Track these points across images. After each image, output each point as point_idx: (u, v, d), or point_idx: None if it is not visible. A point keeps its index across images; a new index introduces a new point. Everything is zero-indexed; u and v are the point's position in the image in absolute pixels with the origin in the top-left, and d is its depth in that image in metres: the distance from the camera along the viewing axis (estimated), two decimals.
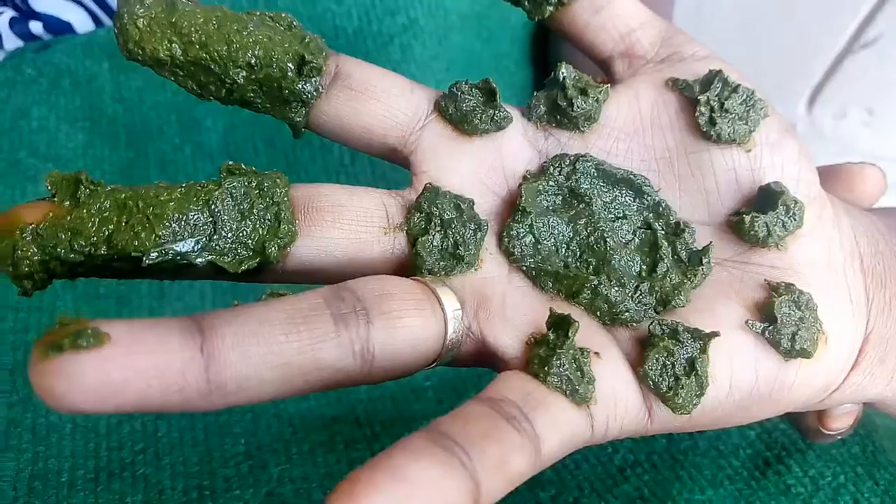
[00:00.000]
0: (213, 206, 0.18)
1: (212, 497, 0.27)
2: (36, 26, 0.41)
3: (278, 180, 0.19)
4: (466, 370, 0.34)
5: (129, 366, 0.14)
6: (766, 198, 0.21)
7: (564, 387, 0.18)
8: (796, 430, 0.29)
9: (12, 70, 0.38)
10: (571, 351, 0.18)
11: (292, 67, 0.20)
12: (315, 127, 0.21)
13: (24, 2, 0.41)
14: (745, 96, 0.22)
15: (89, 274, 0.17)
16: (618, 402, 0.19)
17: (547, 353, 0.18)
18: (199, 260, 0.17)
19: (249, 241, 0.18)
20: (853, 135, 0.64)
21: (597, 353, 0.19)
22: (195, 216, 0.17)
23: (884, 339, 0.22)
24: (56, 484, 0.28)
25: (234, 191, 0.18)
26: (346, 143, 0.22)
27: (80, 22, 0.41)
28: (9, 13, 0.42)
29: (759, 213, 0.21)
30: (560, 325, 0.19)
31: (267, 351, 0.16)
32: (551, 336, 0.19)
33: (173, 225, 0.17)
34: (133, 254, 0.17)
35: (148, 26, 0.19)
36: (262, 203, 0.18)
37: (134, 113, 0.38)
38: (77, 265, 0.17)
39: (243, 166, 0.19)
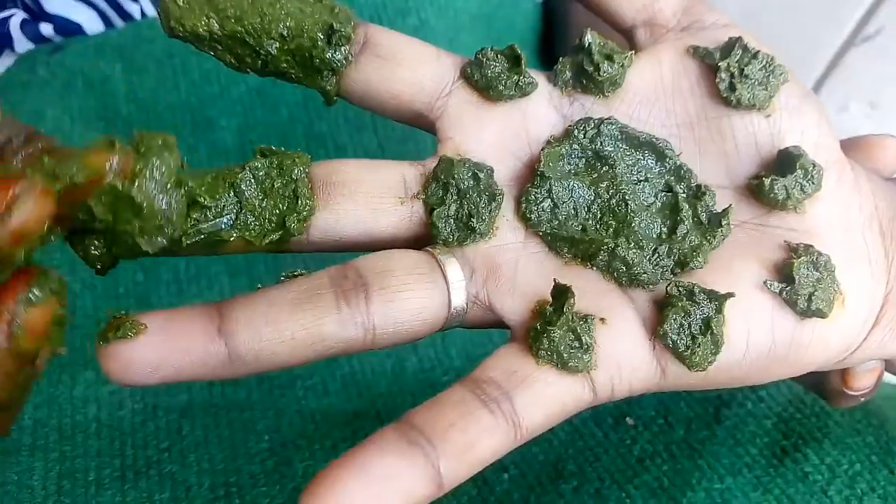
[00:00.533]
0: (237, 188, 0.20)
1: (239, 494, 0.28)
2: (46, 28, 0.41)
3: (297, 159, 0.20)
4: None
5: (163, 347, 0.18)
6: (785, 161, 0.22)
7: (555, 360, 0.19)
8: (818, 399, 0.29)
9: (26, 72, 0.38)
10: (567, 325, 0.19)
11: (322, 37, 0.21)
12: (346, 94, 0.22)
13: (35, 3, 0.41)
14: (764, 62, 0.22)
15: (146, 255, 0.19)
16: (622, 364, 0.20)
17: (541, 327, 0.19)
18: (228, 237, 0.19)
19: (272, 217, 0.20)
20: (855, 127, 0.64)
21: (602, 319, 0.20)
22: (222, 198, 0.19)
23: None
24: (84, 483, 0.28)
25: (256, 172, 0.20)
26: (374, 110, 0.22)
27: (90, 23, 0.41)
28: (20, 15, 0.42)
29: (778, 176, 0.21)
30: (560, 295, 0.20)
31: (274, 328, 0.18)
32: (549, 309, 0.20)
33: (201, 207, 0.19)
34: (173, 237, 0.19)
35: (187, 4, 0.20)
36: (281, 181, 0.20)
37: (148, 113, 0.38)
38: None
39: (273, 148, 0.20)
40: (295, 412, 0.31)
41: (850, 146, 0.26)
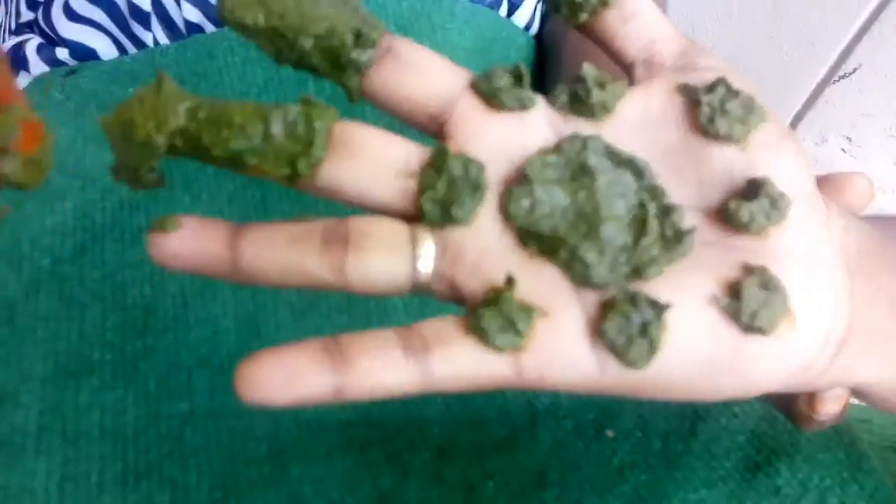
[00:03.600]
0: (267, 123, 0.22)
1: (237, 497, 0.29)
2: (62, 52, 0.43)
3: (326, 112, 0.23)
4: None
5: (188, 243, 0.22)
6: (753, 188, 0.23)
7: (479, 336, 0.21)
8: (788, 420, 0.30)
9: (40, 94, 0.40)
10: (500, 310, 0.21)
11: (351, 39, 0.23)
12: (367, 94, 0.25)
13: (51, 28, 0.43)
14: (745, 101, 0.24)
15: (187, 155, 0.23)
16: (555, 355, 0.21)
17: (480, 306, 0.22)
18: (250, 161, 0.22)
19: (286, 155, 0.23)
20: (832, 160, 0.67)
21: (546, 313, 0.22)
22: (252, 129, 0.22)
23: (870, 328, 0.24)
24: (86, 486, 0.29)
25: (287, 115, 0.23)
26: (390, 111, 0.25)
27: (105, 49, 0.43)
28: (36, 40, 0.44)
29: (744, 201, 0.23)
30: (508, 283, 0.22)
31: (271, 253, 0.22)
32: (491, 294, 0.22)
33: (235, 131, 0.22)
34: (204, 145, 0.22)
35: None
36: (303, 128, 0.23)
37: None
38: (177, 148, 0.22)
39: (314, 98, 0.23)
40: (292, 420, 0.32)
41: (822, 182, 0.27)
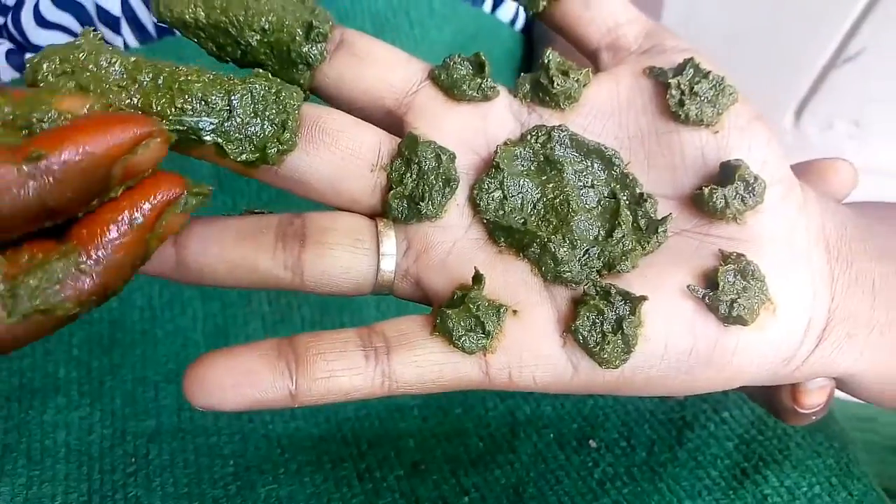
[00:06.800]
0: (232, 98, 0.20)
1: None
2: None
3: (295, 94, 0.21)
4: (453, 392, 0.35)
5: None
6: (726, 172, 0.22)
7: (448, 335, 0.20)
8: (778, 424, 0.29)
9: None
10: (468, 310, 0.20)
11: (301, 33, 0.22)
12: (317, 90, 0.23)
13: (21, 34, 0.42)
14: (714, 82, 0.23)
15: None
16: (525, 355, 0.21)
17: (446, 307, 0.21)
18: (207, 138, 0.20)
19: (254, 138, 0.20)
20: (840, 146, 0.65)
21: (514, 311, 0.21)
22: (214, 100, 0.20)
23: (851, 315, 0.23)
24: None
25: (254, 90, 0.20)
26: (344, 106, 0.23)
27: None
28: (5, 45, 0.43)
29: (718, 186, 0.22)
30: (476, 282, 0.21)
31: (219, 251, 0.21)
32: (458, 293, 0.21)
33: (194, 102, 0.19)
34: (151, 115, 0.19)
35: None
36: (274, 108, 0.21)
37: None
38: None
39: (270, 76, 0.21)
40: (261, 436, 0.31)
41: (804, 169, 0.26)
